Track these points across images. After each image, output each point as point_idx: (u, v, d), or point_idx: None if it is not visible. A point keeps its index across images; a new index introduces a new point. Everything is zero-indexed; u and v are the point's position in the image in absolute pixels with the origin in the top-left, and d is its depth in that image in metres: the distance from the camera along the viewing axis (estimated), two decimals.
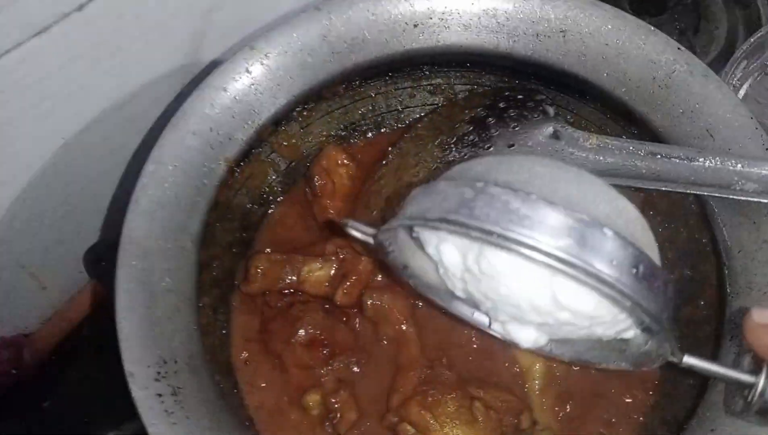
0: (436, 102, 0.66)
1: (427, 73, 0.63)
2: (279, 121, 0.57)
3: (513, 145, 0.53)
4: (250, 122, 0.53)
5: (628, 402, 0.52)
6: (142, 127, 0.68)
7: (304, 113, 0.60)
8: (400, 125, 0.67)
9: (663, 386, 0.53)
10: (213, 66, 0.55)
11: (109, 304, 0.77)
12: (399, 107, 0.66)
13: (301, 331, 0.55)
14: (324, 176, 0.61)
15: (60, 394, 0.77)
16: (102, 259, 0.73)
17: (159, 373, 0.42)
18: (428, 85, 0.65)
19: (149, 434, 0.41)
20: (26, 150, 0.62)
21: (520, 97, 0.57)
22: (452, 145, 0.56)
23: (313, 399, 0.53)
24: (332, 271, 0.57)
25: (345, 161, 0.61)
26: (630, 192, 0.58)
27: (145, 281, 0.45)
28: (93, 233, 0.75)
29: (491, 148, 0.53)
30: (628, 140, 0.51)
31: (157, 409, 0.41)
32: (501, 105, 0.57)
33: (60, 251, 0.73)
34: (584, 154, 0.50)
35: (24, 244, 0.69)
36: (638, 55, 0.52)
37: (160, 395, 0.41)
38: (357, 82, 0.62)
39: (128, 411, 0.75)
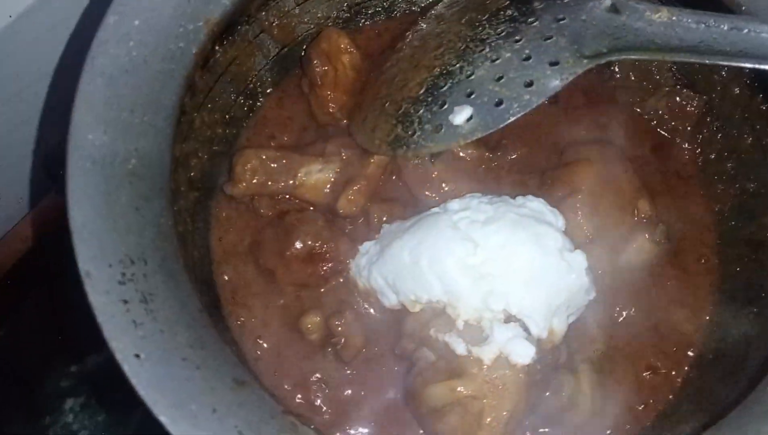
0: None
1: None
2: None
3: (563, 19, 0.43)
4: None
5: None
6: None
7: None
8: (414, 8, 0.57)
9: None
10: None
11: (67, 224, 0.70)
12: None
13: (298, 243, 0.46)
14: (325, 61, 0.51)
15: (15, 323, 0.69)
16: (62, 165, 0.64)
17: (124, 274, 0.33)
18: None
19: (111, 350, 0.31)
20: None
21: None
22: (485, 22, 0.46)
23: (312, 321, 0.45)
24: (334, 175, 0.48)
25: (349, 48, 0.51)
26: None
27: (105, 161, 0.35)
28: (54, 137, 0.64)
29: (536, 23, 0.44)
30: (707, 13, 0.41)
31: (121, 318, 0.32)
32: None
33: (14, 157, 0.63)
34: (652, 30, 0.41)
35: None
36: None
37: (125, 302, 0.32)
38: None
39: (92, 343, 0.69)
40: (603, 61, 0.42)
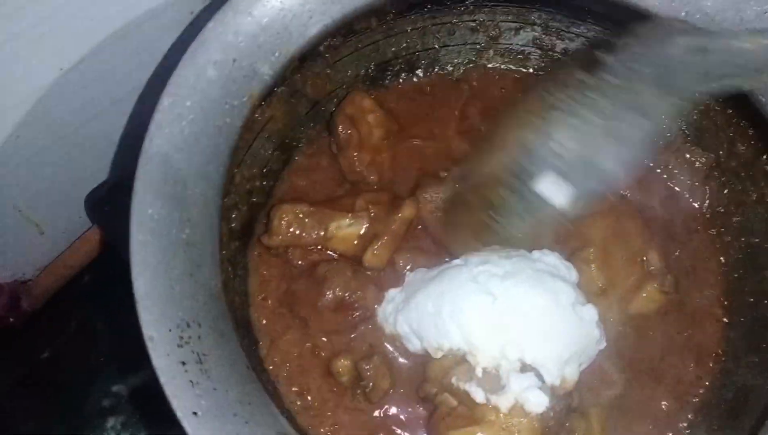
0: (477, 41, 0.59)
1: (471, 6, 0.57)
2: (306, 55, 0.50)
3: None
4: (277, 54, 0.46)
5: None
6: (150, 60, 0.62)
7: (333, 48, 0.53)
8: (435, 68, 0.60)
9: None
10: None
11: (111, 251, 0.74)
12: (436, 45, 0.59)
13: (329, 294, 0.50)
14: (348, 125, 0.55)
15: (59, 345, 0.73)
16: (105, 203, 0.68)
17: (182, 337, 0.37)
18: (470, 20, 0.58)
19: (172, 407, 0.36)
20: (20, 78, 0.55)
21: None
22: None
23: (343, 365, 0.48)
24: (363, 229, 0.52)
25: (372, 108, 0.55)
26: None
27: (163, 233, 0.39)
28: (95, 175, 0.69)
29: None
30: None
31: (180, 379, 0.36)
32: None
33: (60, 194, 0.67)
34: (747, 62, 0.39)
35: (21, 186, 0.63)
36: None
37: (183, 363, 0.36)
38: (391, 15, 0.55)
39: (132, 363, 0.73)
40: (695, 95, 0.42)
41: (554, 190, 0.45)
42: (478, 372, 0.46)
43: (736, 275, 0.53)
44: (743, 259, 0.52)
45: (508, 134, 0.48)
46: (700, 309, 0.52)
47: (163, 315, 0.37)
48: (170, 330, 0.37)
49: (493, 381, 0.45)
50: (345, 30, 0.52)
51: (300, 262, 0.52)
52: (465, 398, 0.45)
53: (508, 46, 0.59)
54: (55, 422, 0.71)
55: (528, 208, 0.47)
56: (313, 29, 0.48)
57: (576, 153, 0.44)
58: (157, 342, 0.36)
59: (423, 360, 0.49)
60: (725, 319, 0.52)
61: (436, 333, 0.47)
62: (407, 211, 0.51)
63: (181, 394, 0.36)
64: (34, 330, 0.73)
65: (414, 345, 0.49)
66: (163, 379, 0.36)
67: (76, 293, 0.75)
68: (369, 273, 0.52)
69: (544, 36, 0.57)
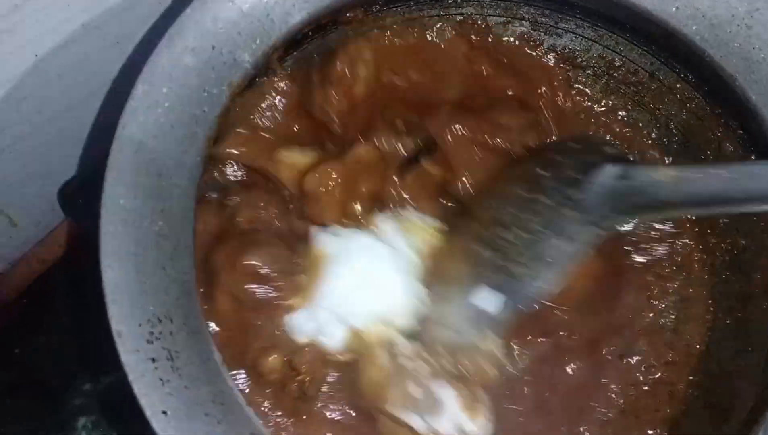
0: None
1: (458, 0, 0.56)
2: (290, 45, 0.49)
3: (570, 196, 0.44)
4: (258, 42, 0.45)
5: None
6: (126, 50, 0.60)
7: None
8: None
9: None
10: None
11: (85, 245, 0.72)
12: None
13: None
14: (346, 62, 0.52)
15: (31, 341, 0.71)
16: (79, 195, 0.67)
17: (152, 333, 0.35)
18: (458, 14, 0.57)
19: (141, 405, 0.34)
20: None
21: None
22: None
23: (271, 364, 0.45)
24: (312, 160, 0.49)
25: (371, 65, 0.53)
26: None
27: (134, 224, 0.38)
28: (70, 167, 0.67)
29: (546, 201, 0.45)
30: (713, 164, 0.44)
31: (150, 376, 0.34)
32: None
33: (33, 186, 0.66)
34: (659, 190, 0.41)
35: None
36: None
37: (153, 360, 0.35)
38: (378, 7, 0.54)
39: (105, 362, 0.71)
40: (615, 227, 0.44)
41: (486, 301, 0.45)
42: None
43: (723, 277, 0.52)
44: (730, 260, 0.52)
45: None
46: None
47: (132, 309, 0.36)
48: (140, 325, 0.35)
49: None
50: (329, 22, 0.51)
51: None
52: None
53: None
54: (28, 419, 0.70)
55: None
56: (297, 17, 0.46)
57: (504, 267, 0.45)
58: (125, 337, 0.35)
59: None
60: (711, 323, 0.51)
61: None
62: (362, 149, 0.49)
63: (150, 392, 0.34)
64: (4, 326, 0.71)
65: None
66: (132, 376, 0.34)
67: (49, 287, 0.73)
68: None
69: (532, 31, 0.56)
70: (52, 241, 0.73)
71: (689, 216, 0.53)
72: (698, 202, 0.41)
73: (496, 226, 0.46)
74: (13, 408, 0.70)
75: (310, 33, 0.51)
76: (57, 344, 0.72)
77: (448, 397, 0.44)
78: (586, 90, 0.56)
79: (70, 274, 0.73)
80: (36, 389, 0.71)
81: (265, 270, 0.44)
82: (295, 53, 0.52)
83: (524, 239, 0.45)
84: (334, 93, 0.52)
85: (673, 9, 0.46)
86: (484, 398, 0.45)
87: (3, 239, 0.69)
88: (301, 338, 0.45)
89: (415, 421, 0.43)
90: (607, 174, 0.43)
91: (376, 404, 0.44)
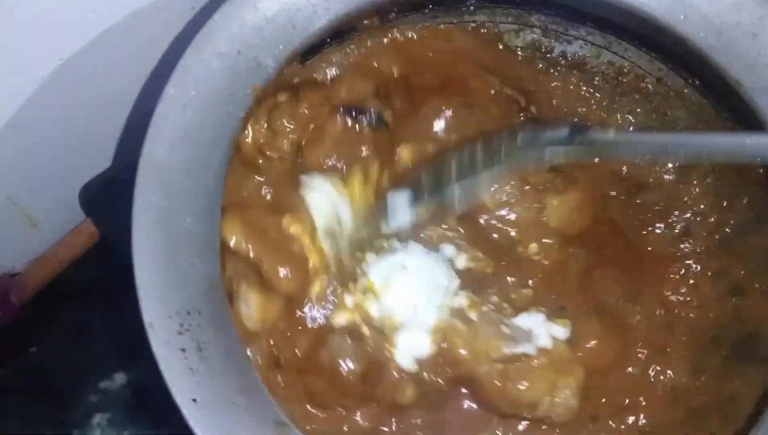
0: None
1: (471, 8, 0.57)
2: (308, 52, 0.51)
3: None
4: (281, 47, 0.47)
5: None
6: (152, 53, 0.62)
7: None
8: None
9: None
10: None
11: (103, 245, 0.73)
12: None
13: None
14: None
15: (48, 340, 0.73)
16: (100, 196, 0.68)
17: (182, 325, 0.37)
18: (471, 21, 0.59)
19: (172, 394, 0.35)
20: (18, 69, 0.55)
21: None
22: None
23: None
24: None
25: None
26: None
27: (165, 221, 0.39)
28: (91, 169, 0.69)
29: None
30: (652, 132, 0.47)
31: (180, 366, 0.36)
32: None
33: (55, 186, 0.67)
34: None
35: (14, 177, 0.63)
36: None
37: (183, 350, 0.36)
38: (393, 14, 0.55)
39: (121, 361, 0.72)
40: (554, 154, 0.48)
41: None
42: None
43: None
44: None
45: None
46: None
47: (163, 303, 0.37)
48: (170, 317, 0.37)
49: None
50: (347, 28, 0.53)
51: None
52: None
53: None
54: (43, 417, 0.71)
55: None
56: (317, 24, 0.48)
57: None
58: (157, 329, 0.36)
59: None
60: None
61: None
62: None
63: (180, 381, 0.36)
64: (21, 325, 0.72)
65: None
66: (163, 365, 0.36)
67: (67, 287, 0.74)
68: None
69: (543, 38, 0.58)
70: (71, 242, 0.74)
71: None
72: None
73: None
74: (29, 405, 0.71)
75: (329, 40, 0.52)
76: (73, 343, 0.73)
77: (528, 318, 0.48)
78: (596, 95, 0.58)
79: (87, 275, 0.75)
80: (52, 387, 0.72)
81: None
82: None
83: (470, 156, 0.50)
84: None
85: (681, 17, 0.47)
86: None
87: (23, 239, 0.71)
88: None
89: (522, 349, 0.47)
90: (560, 129, 0.47)
91: (480, 363, 0.47)
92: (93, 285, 0.74)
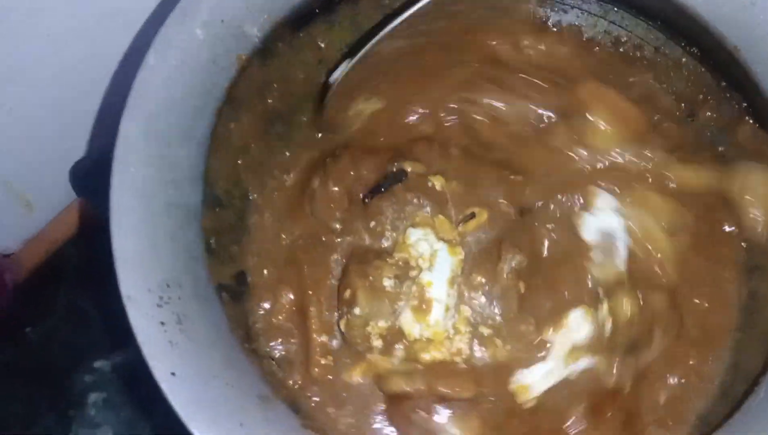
0: None
1: None
2: (296, 21, 0.49)
3: None
4: (266, 16, 0.45)
5: None
6: (135, 29, 0.61)
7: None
8: None
9: None
10: None
11: (97, 224, 0.73)
12: None
13: None
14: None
15: (43, 320, 0.72)
16: (90, 174, 0.67)
17: (161, 298, 0.36)
18: None
19: (150, 368, 0.35)
20: (12, 49, 0.54)
21: None
22: None
23: None
24: None
25: None
26: None
27: (145, 193, 0.38)
28: (81, 147, 0.68)
29: None
30: None
31: (159, 339, 0.35)
32: None
33: (46, 166, 0.67)
34: None
35: (7, 158, 0.62)
36: None
37: (163, 323, 0.35)
38: None
39: (116, 340, 0.72)
40: None
41: None
42: None
43: None
44: None
45: None
46: None
47: (142, 275, 0.36)
48: (150, 290, 0.36)
49: None
50: None
51: None
52: None
53: None
54: (41, 397, 0.71)
55: None
56: None
57: None
58: (135, 301, 0.35)
59: None
60: None
61: None
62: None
63: (159, 355, 0.35)
64: (16, 305, 0.72)
65: None
66: (141, 338, 0.35)
67: (60, 267, 0.74)
68: None
69: (538, 8, 0.56)
70: (64, 221, 0.73)
71: None
72: None
73: None
74: (24, 386, 0.71)
75: (317, 10, 0.51)
76: (68, 323, 0.73)
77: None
78: None
79: (81, 254, 0.74)
80: (47, 367, 0.72)
81: None
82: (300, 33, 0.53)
83: None
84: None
85: None
86: None
87: (15, 219, 0.70)
88: None
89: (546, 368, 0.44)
90: None
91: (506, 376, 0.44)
92: (87, 264, 0.74)
